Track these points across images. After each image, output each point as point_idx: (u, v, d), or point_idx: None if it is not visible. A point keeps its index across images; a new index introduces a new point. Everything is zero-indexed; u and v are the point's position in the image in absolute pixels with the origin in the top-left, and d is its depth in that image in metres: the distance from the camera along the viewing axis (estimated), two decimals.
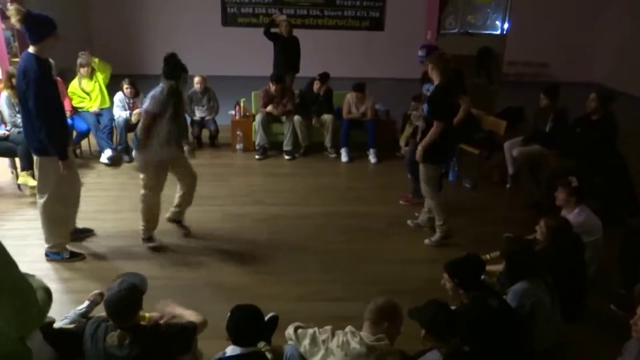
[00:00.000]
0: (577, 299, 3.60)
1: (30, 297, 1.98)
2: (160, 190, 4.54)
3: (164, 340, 2.54)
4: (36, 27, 3.72)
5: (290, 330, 2.77)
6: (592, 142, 5.26)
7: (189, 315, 2.80)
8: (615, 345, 2.81)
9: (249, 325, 2.52)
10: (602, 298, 3.91)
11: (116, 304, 2.44)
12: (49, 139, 3.87)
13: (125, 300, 2.45)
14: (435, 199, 4.73)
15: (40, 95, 3.74)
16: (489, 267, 3.49)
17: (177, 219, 4.83)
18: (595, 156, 5.17)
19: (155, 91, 4.23)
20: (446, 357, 2.52)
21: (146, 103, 4.24)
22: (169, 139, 4.31)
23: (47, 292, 2.44)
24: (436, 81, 4.48)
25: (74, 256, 4.40)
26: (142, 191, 4.48)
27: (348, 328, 2.59)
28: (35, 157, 4.17)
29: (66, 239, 4.42)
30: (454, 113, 5.08)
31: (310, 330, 2.66)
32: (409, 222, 5.17)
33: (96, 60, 6.62)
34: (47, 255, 4.38)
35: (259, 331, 2.60)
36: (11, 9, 3.70)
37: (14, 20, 3.66)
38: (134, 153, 4.52)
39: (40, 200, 4.18)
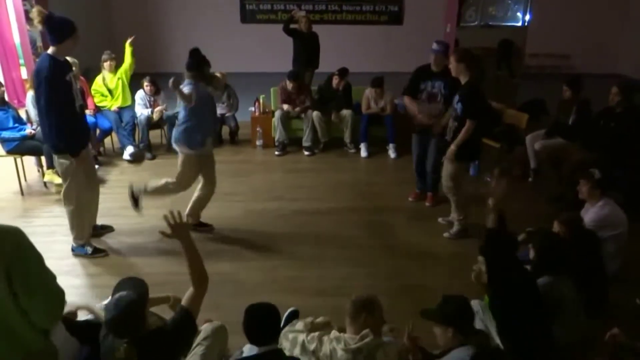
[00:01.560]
0: (599, 294, 3.56)
1: (55, 288, 2.09)
2: (186, 187, 4.67)
3: (167, 342, 2.42)
4: (56, 29, 3.81)
5: (284, 335, 2.76)
6: (616, 135, 5.17)
7: (191, 274, 2.59)
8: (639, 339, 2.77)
9: (263, 325, 2.44)
10: (628, 292, 3.85)
11: (115, 327, 2.31)
12: (58, 137, 3.98)
13: (125, 321, 2.30)
14: (457, 195, 4.72)
15: (50, 94, 3.83)
16: None
17: (195, 224, 4.86)
18: (618, 149, 5.08)
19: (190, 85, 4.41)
20: (476, 355, 2.46)
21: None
22: (209, 131, 4.56)
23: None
24: (464, 78, 4.43)
25: (97, 252, 4.50)
26: (169, 179, 4.60)
27: (333, 333, 2.55)
28: (54, 155, 4.29)
29: (89, 230, 4.53)
30: (485, 110, 5.03)
31: (300, 338, 2.63)
32: (440, 219, 5.13)
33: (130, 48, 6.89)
34: (72, 250, 4.49)
35: (274, 330, 2.52)
36: (33, 11, 3.80)
37: (35, 22, 3.75)
38: (178, 147, 4.57)
39: (62, 196, 4.33)
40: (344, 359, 2.41)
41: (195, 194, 4.81)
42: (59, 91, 3.88)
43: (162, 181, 4.65)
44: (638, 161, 5.12)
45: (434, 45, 5.10)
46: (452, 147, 4.50)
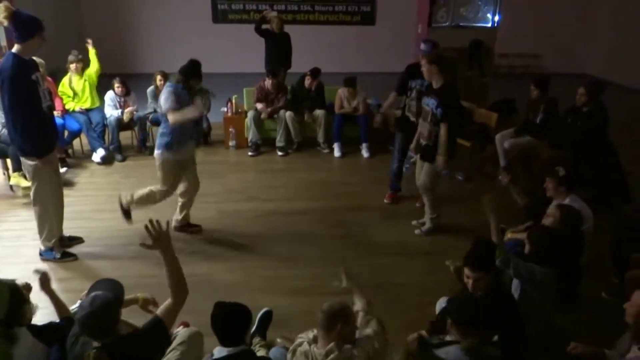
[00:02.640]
0: (572, 287, 3.65)
1: None
2: (174, 190, 4.63)
3: (137, 347, 2.38)
4: (23, 26, 3.70)
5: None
6: (583, 132, 5.30)
7: (170, 285, 2.56)
8: (607, 333, 2.85)
9: (229, 324, 2.41)
10: (594, 286, 3.95)
11: (88, 326, 2.27)
12: (24, 138, 3.88)
13: (99, 320, 2.26)
14: (432, 194, 4.80)
15: (14, 94, 3.72)
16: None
17: (184, 225, 4.88)
18: (586, 146, 5.21)
19: (170, 88, 4.31)
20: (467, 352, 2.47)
21: (166, 102, 4.26)
22: (189, 136, 4.52)
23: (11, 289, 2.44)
24: (439, 81, 4.44)
25: (66, 256, 4.41)
26: (153, 187, 4.54)
27: (304, 346, 2.44)
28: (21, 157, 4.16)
29: (57, 233, 4.41)
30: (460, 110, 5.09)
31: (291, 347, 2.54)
32: (414, 222, 5.14)
33: (93, 51, 6.71)
34: (41, 254, 4.39)
35: (242, 329, 2.48)
36: (0, 6, 3.68)
37: (1, 17, 3.65)
38: (156, 152, 4.49)
39: (31, 194, 4.20)
40: None
41: (180, 201, 4.77)
42: (23, 91, 3.77)
43: (147, 189, 4.56)
44: (603, 159, 5.26)
45: (422, 46, 5.16)
46: (440, 157, 4.49)
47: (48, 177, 4.15)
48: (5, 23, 3.68)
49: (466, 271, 2.92)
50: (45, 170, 4.07)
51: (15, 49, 3.77)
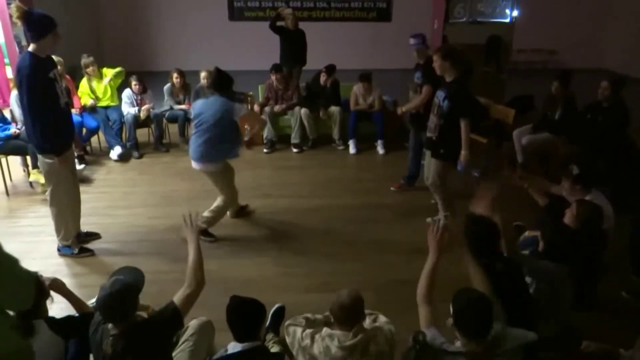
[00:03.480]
0: (591, 287, 3.58)
1: (19, 272, 2.04)
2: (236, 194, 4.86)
3: (152, 332, 2.41)
4: (35, 25, 3.73)
5: (286, 329, 2.75)
6: (603, 129, 5.21)
7: (189, 269, 2.66)
8: (627, 333, 2.80)
9: (246, 320, 2.43)
10: (613, 285, 3.88)
11: (108, 307, 2.31)
12: (42, 136, 3.91)
13: (117, 301, 2.30)
14: (444, 192, 4.73)
15: (31, 92, 3.76)
16: None
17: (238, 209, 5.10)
18: (605, 143, 5.12)
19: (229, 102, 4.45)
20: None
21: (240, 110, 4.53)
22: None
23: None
24: (450, 76, 4.37)
25: (83, 252, 4.46)
26: (216, 204, 4.66)
27: (324, 331, 2.52)
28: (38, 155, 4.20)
29: (74, 231, 4.46)
30: (474, 106, 5.02)
31: (298, 333, 2.61)
32: (428, 220, 5.11)
33: (110, 71, 6.77)
34: (59, 250, 4.45)
35: (257, 326, 2.50)
36: (12, 7, 3.72)
37: (14, 17, 3.68)
38: (216, 165, 4.56)
39: (48, 194, 4.25)
40: (339, 356, 2.40)
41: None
42: (41, 89, 3.80)
43: (214, 208, 4.63)
44: (623, 155, 5.16)
45: (411, 40, 5.16)
46: (464, 152, 4.45)
47: (64, 177, 4.19)
48: (19, 23, 3.71)
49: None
50: (61, 169, 4.10)
51: (30, 48, 3.79)
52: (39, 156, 4.18)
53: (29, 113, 3.84)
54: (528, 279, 3.23)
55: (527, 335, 2.34)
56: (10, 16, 3.74)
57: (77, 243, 4.46)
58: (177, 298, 2.51)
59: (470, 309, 2.24)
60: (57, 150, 4.02)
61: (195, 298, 2.56)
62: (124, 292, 2.32)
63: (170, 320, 2.45)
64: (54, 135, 3.96)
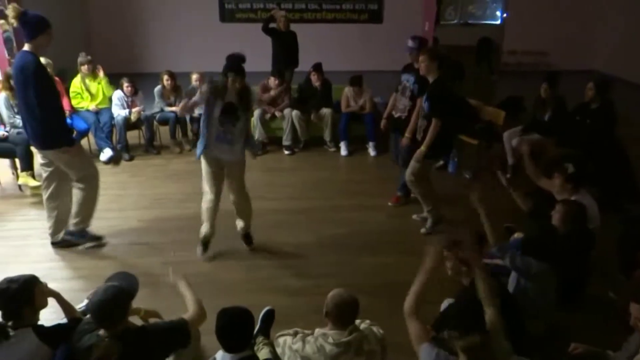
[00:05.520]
0: (579, 287, 3.61)
1: None
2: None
3: (151, 341, 2.45)
4: (31, 24, 3.86)
5: (275, 340, 2.74)
6: (592, 130, 5.25)
7: (189, 301, 2.75)
8: (613, 332, 2.82)
9: (236, 332, 2.38)
10: (600, 285, 3.91)
11: (101, 311, 2.35)
12: (55, 130, 4.07)
13: (111, 306, 2.34)
14: (419, 187, 4.74)
15: (41, 88, 3.89)
16: None
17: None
18: (594, 144, 5.16)
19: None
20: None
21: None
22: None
23: None
24: (433, 77, 4.42)
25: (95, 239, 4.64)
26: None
27: (317, 331, 2.53)
28: (52, 152, 4.21)
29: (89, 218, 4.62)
30: (458, 107, 5.04)
31: (288, 340, 2.59)
32: (414, 216, 5.16)
33: (107, 87, 6.83)
34: (71, 235, 4.54)
35: (248, 335, 2.47)
36: (9, 8, 3.87)
37: (10, 17, 3.85)
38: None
39: (80, 185, 4.39)
40: (334, 353, 2.41)
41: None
42: (48, 85, 3.97)
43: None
44: (612, 157, 5.20)
45: (409, 43, 5.14)
46: (422, 148, 4.51)
47: (87, 160, 4.55)
48: (15, 23, 3.88)
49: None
50: (79, 153, 4.35)
51: (27, 47, 3.92)
52: (55, 155, 4.20)
53: (40, 110, 3.93)
54: (511, 278, 3.26)
55: None
56: (2, 17, 3.84)
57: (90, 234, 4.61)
58: (189, 317, 2.62)
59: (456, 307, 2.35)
60: (71, 141, 4.26)
61: (199, 324, 2.70)
62: (117, 298, 2.37)
63: (177, 330, 2.54)
64: (65, 128, 4.23)
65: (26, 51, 3.91)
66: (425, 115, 4.51)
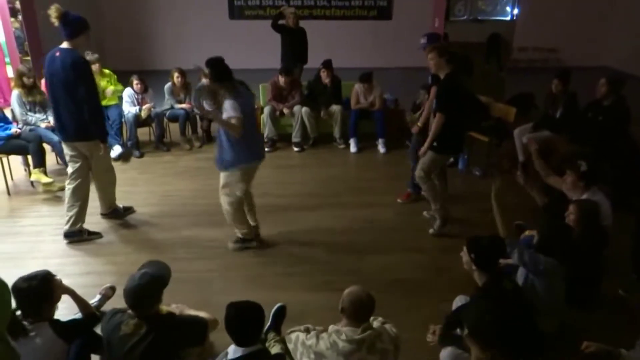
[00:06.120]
0: (593, 286, 3.58)
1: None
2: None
3: (177, 329, 2.57)
4: (73, 25, 4.12)
5: (287, 336, 2.77)
6: (604, 127, 5.21)
7: (201, 314, 2.89)
8: (626, 331, 2.80)
9: (246, 325, 2.41)
10: (613, 284, 3.88)
11: (134, 295, 2.47)
12: (101, 124, 4.45)
13: (144, 291, 2.48)
14: (428, 184, 4.71)
15: (92, 85, 4.28)
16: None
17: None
18: (606, 141, 5.11)
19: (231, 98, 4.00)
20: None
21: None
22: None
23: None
24: (444, 72, 4.40)
25: (127, 210, 5.11)
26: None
27: (331, 328, 2.55)
28: (89, 144, 4.47)
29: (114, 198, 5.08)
30: (468, 104, 4.98)
31: (301, 336, 2.61)
32: (425, 213, 5.14)
33: (116, 87, 6.88)
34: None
35: (258, 329, 2.50)
36: (51, 8, 4.06)
37: (52, 17, 4.06)
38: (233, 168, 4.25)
39: (101, 177, 4.80)
40: (347, 350, 2.41)
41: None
42: (94, 81, 4.35)
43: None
44: (624, 154, 5.15)
45: (421, 40, 5.11)
46: (427, 142, 4.51)
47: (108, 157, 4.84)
48: (57, 23, 4.09)
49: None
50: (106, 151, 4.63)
51: (67, 45, 4.17)
52: (90, 145, 4.46)
53: (90, 104, 4.23)
54: (519, 274, 3.24)
55: None
56: (12, 15, 4.03)
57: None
58: (208, 317, 2.83)
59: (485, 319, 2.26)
60: (106, 136, 4.62)
61: (212, 329, 2.87)
62: (151, 284, 2.51)
63: (199, 327, 2.71)
64: (104, 123, 4.63)
65: (70, 49, 4.16)
66: (434, 109, 4.51)
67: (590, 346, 2.62)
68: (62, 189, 5.56)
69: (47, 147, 5.90)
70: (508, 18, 12.63)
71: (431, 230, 4.84)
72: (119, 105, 6.91)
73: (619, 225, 3.95)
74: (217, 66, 4.00)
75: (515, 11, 12.41)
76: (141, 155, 6.79)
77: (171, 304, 3.07)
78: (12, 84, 6.35)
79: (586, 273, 3.40)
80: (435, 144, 4.51)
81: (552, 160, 5.63)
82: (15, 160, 6.03)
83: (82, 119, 4.26)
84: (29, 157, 5.74)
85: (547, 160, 5.76)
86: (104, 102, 6.77)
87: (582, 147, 5.22)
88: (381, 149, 7.03)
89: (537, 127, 5.94)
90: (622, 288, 3.86)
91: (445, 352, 2.58)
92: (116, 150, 6.63)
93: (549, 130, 5.81)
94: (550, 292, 3.14)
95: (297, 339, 2.64)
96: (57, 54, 4.17)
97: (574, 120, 5.60)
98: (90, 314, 2.88)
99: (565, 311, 3.26)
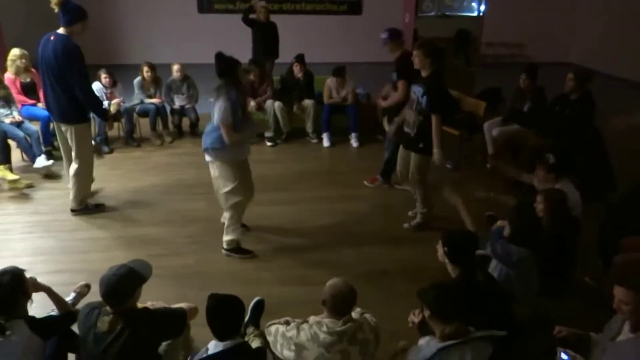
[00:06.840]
0: (565, 274, 3.68)
1: None
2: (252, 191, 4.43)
3: (154, 322, 2.53)
4: (72, 12, 4.37)
5: (267, 329, 2.76)
6: (571, 121, 5.35)
7: (181, 305, 2.84)
8: (596, 317, 2.89)
9: (225, 315, 2.39)
10: (581, 272, 3.99)
11: (110, 286, 2.40)
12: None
13: (120, 282, 2.41)
14: (424, 187, 4.73)
15: (84, 70, 4.45)
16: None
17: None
18: (573, 134, 5.26)
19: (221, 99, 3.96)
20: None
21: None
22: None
23: None
24: (427, 71, 4.36)
25: (98, 207, 5.05)
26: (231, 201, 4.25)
27: (312, 319, 2.56)
28: (69, 127, 4.66)
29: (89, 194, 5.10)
30: (448, 100, 5.03)
31: (281, 328, 2.61)
32: (410, 213, 5.08)
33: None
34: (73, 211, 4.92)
35: (236, 322, 2.47)
36: None
37: (52, 3, 4.27)
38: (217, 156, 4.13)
39: (75, 165, 4.77)
40: (327, 341, 2.42)
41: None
42: (85, 67, 4.48)
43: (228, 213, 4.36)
44: (590, 147, 5.31)
45: (382, 35, 5.20)
46: (436, 150, 4.40)
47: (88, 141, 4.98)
48: (56, 9, 4.31)
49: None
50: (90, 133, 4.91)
51: (63, 31, 4.38)
52: (73, 127, 4.63)
53: (82, 87, 4.43)
54: (493, 263, 3.32)
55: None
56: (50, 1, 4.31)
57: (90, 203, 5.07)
58: (188, 308, 2.77)
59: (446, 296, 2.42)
60: (106, 114, 5.02)
61: (192, 317, 2.82)
62: (127, 274, 2.46)
63: (177, 317, 2.68)
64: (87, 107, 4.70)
65: (66, 35, 4.36)
66: (420, 110, 4.41)
67: (562, 331, 2.70)
68: (29, 186, 5.45)
69: (12, 143, 5.73)
70: (475, 14, 12.85)
71: (406, 225, 4.89)
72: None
73: (586, 215, 4.08)
74: (223, 61, 4.03)
75: (482, 7, 12.64)
76: (110, 151, 6.66)
77: (147, 301, 3.04)
78: None
79: (558, 261, 3.49)
80: (421, 145, 4.49)
81: (521, 153, 5.77)
82: None
83: (65, 102, 4.46)
84: None
85: (517, 153, 5.91)
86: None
87: (550, 140, 5.36)
88: (354, 143, 7.07)
89: (506, 121, 6.07)
90: (589, 276, 3.98)
91: (423, 340, 2.62)
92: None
93: (517, 123, 5.94)
94: (523, 281, 3.23)
95: (276, 331, 2.64)
96: (52, 37, 4.37)
97: (542, 114, 5.73)
98: (68, 312, 2.82)
99: (537, 298, 3.35)
